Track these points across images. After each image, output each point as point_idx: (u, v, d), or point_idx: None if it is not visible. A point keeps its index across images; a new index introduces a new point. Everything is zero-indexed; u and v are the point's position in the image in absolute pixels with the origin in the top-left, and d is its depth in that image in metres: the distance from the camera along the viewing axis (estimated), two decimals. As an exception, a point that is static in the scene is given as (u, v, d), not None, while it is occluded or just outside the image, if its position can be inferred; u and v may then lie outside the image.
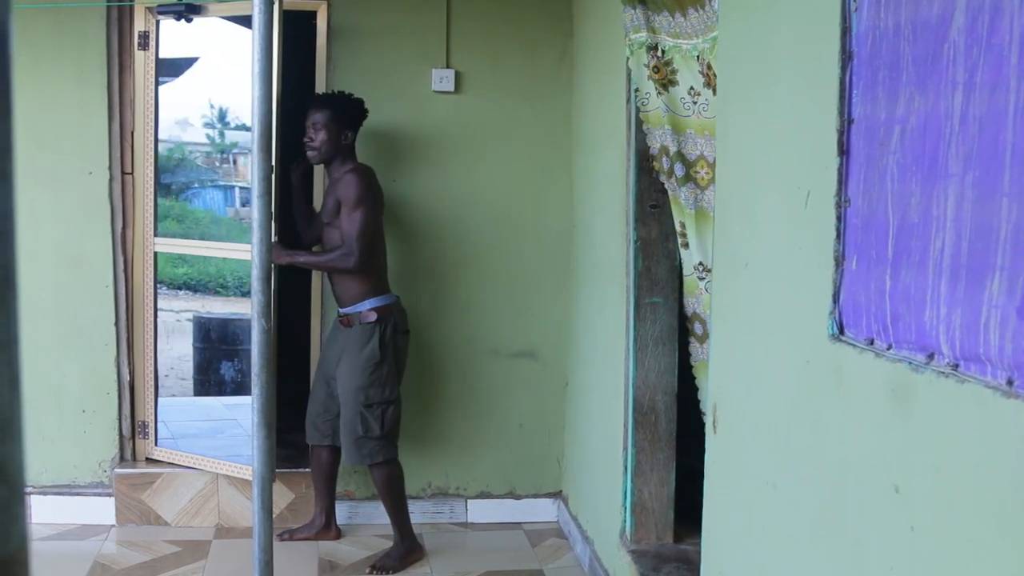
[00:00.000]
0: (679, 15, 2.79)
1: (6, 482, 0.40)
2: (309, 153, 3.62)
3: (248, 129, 4.54)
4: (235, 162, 4.72)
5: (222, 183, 4.77)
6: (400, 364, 3.68)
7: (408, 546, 3.70)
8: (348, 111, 3.61)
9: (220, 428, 4.89)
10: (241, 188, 4.89)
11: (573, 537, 3.91)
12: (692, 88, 2.85)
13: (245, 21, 4.01)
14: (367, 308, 3.58)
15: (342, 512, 3.98)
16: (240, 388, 5.24)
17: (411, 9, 3.99)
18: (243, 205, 4.90)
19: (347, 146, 3.62)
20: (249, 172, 4.91)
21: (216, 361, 5.45)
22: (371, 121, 3.81)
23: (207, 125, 4.31)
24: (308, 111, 3.61)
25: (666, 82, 2.93)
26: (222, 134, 4.44)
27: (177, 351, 5.48)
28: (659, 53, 2.94)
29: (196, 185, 4.56)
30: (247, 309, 5.18)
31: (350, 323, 3.61)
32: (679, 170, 2.88)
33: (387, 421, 3.60)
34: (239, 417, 4.76)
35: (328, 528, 3.88)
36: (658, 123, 2.97)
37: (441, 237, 4.08)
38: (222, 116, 4.35)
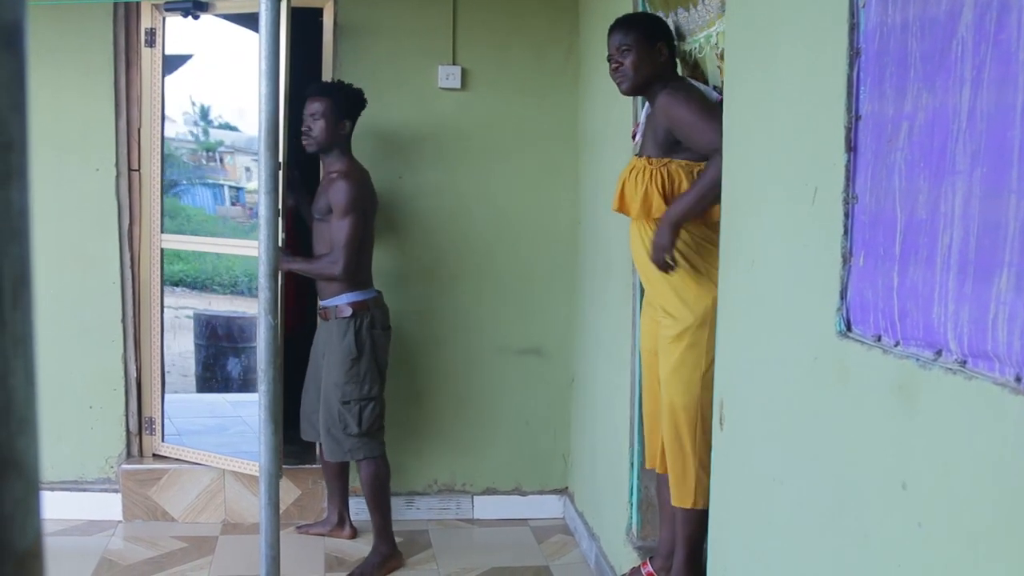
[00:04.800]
0: (682, 10, 2.78)
1: (23, 477, 0.40)
2: (306, 142, 3.55)
3: (233, 129, 4.52)
4: (222, 160, 4.70)
5: (210, 181, 4.74)
6: (380, 361, 3.60)
7: (385, 552, 3.58)
8: (347, 100, 3.56)
9: (225, 425, 4.90)
10: (230, 187, 4.86)
11: (579, 533, 3.92)
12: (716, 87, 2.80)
13: (243, 20, 4.01)
14: (343, 303, 3.53)
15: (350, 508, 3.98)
16: (244, 385, 5.25)
17: (417, 6, 3.99)
18: (232, 204, 4.88)
19: (344, 136, 3.57)
20: (236, 170, 4.87)
21: (220, 358, 5.46)
22: (376, 118, 3.81)
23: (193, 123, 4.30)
24: (306, 100, 3.55)
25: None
26: (206, 132, 4.41)
27: (179, 347, 5.49)
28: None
29: (185, 182, 4.54)
30: (246, 307, 5.19)
31: (327, 316, 3.58)
32: None
33: (365, 419, 3.53)
34: (243, 414, 4.78)
35: (341, 526, 3.83)
36: None
37: (447, 234, 4.08)
38: (204, 114, 4.33)
